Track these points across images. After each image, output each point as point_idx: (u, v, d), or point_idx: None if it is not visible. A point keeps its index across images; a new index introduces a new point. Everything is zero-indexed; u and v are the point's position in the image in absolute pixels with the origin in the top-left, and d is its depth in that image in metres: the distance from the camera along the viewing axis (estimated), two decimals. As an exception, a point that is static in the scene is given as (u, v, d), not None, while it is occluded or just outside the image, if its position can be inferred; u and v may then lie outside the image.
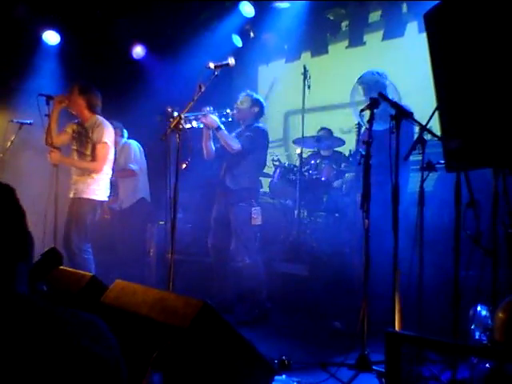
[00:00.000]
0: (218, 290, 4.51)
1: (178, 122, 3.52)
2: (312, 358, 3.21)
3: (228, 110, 4.35)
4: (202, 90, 3.60)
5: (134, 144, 5.55)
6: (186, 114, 3.89)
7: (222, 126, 4.27)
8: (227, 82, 6.74)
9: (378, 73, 3.78)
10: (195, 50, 6.31)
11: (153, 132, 5.37)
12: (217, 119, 4.23)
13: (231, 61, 3.69)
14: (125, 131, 5.60)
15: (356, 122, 4.46)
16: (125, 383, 1.29)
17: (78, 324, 1.24)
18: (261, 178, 5.14)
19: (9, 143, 4.70)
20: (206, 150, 4.46)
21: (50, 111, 4.22)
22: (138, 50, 7.03)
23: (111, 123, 5.41)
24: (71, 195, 4.23)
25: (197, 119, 4.16)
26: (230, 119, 4.40)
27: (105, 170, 4.32)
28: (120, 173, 5.35)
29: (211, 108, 4.26)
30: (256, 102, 4.57)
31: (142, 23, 6.64)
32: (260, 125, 4.57)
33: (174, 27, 6.81)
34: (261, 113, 4.60)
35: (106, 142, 4.24)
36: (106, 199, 4.42)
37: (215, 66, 3.66)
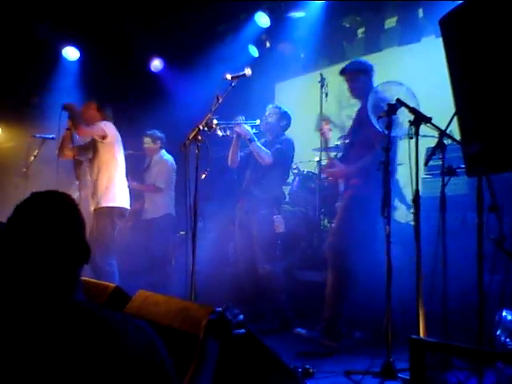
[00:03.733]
0: (242, 299, 4.52)
1: (197, 133, 3.56)
2: (336, 367, 3.19)
3: (258, 121, 4.45)
4: (220, 101, 3.64)
5: (170, 161, 5.64)
6: (220, 122, 4.10)
7: (255, 138, 4.37)
8: (245, 94, 6.79)
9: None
10: (212, 61, 6.39)
11: (172, 143, 5.45)
12: (250, 130, 4.33)
13: (248, 71, 3.73)
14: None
15: None
16: None
17: (132, 331, 1.28)
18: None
19: (32, 158, 4.79)
20: (233, 158, 4.56)
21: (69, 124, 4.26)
22: (157, 64, 7.13)
23: (154, 133, 5.57)
24: (92, 208, 4.28)
25: (230, 128, 4.25)
26: (260, 130, 4.51)
27: (116, 172, 4.32)
28: (147, 187, 5.51)
29: (243, 118, 4.36)
30: (284, 115, 4.68)
31: (160, 37, 6.74)
32: (288, 137, 4.67)
33: (191, 40, 6.90)
34: (287, 125, 4.70)
35: (98, 125, 4.27)
36: (127, 206, 4.41)
37: (232, 77, 3.70)
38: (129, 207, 4.42)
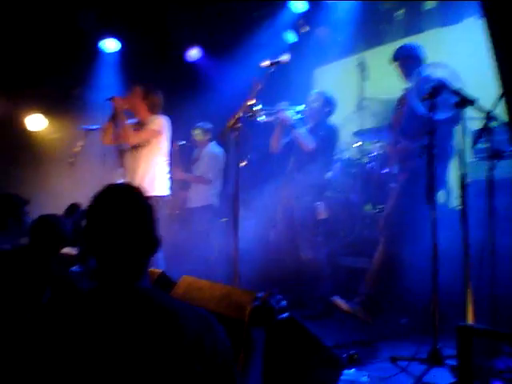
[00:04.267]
0: (284, 285, 4.54)
1: (236, 121, 3.56)
2: (382, 353, 3.17)
3: (302, 107, 4.41)
4: (259, 87, 3.63)
5: (220, 154, 5.61)
6: (263, 108, 4.10)
7: (298, 124, 4.34)
8: (284, 81, 6.75)
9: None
10: (250, 48, 6.35)
11: (212, 132, 5.48)
12: (293, 115, 4.29)
13: (286, 57, 3.69)
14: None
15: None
16: (234, 371, 1.36)
17: (193, 317, 1.33)
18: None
19: (78, 148, 4.89)
20: (276, 144, 4.56)
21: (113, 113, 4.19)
22: (194, 52, 7.16)
23: (205, 124, 5.60)
24: None
25: (273, 114, 4.24)
26: (301, 116, 4.45)
27: (160, 164, 4.30)
28: (195, 178, 5.56)
29: (287, 103, 4.34)
30: (329, 101, 4.62)
31: (197, 25, 6.76)
32: (332, 124, 4.61)
33: (227, 27, 6.89)
34: (331, 112, 4.64)
35: (152, 129, 4.22)
36: (168, 194, 4.40)
37: (271, 63, 3.68)
38: (169, 193, 4.45)
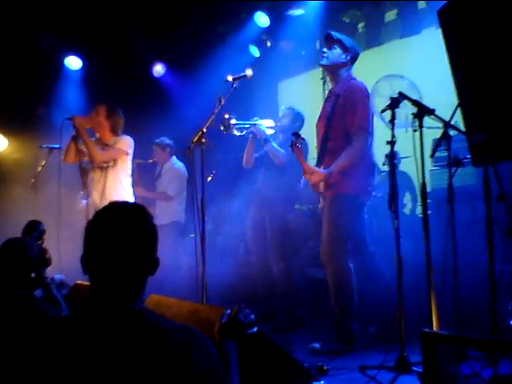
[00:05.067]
0: (254, 299, 4.54)
1: (201, 136, 3.56)
2: (350, 362, 3.18)
3: (272, 122, 4.47)
4: (222, 103, 3.65)
5: (181, 168, 5.62)
6: (237, 122, 4.20)
7: (271, 138, 4.40)
8: (248, 95, 6.79)
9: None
10: (214, 63, 6.38)
11: (177, 148, 5.46)
12: (265, 130, 4.34)
13: (249, 72, 3.73)
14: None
15: None
16: None
17: (188, 340, 1.31)
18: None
19: (40, 168, 4.82)
20: (248, 158, 4.60)
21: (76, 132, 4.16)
22: (159, 68, 7.15)
23: (162, 141, 5.56)
24: None
25: (246, 128, 4.28)
26: (272, 131, 4.51)
27: (126, 183, 4.28)
28: (157, 194, 5.56)
29: (258, 118, 4.39)
30: (297, 116, 4.69)
31: (161, 41, 6.76)
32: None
33: (191, 43, 6.92)
34: (301, 126, 4.69)
35: (121, 149, 4.20)
36: None
37: (233, 79, 3.71)
38: None
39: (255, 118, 4.43)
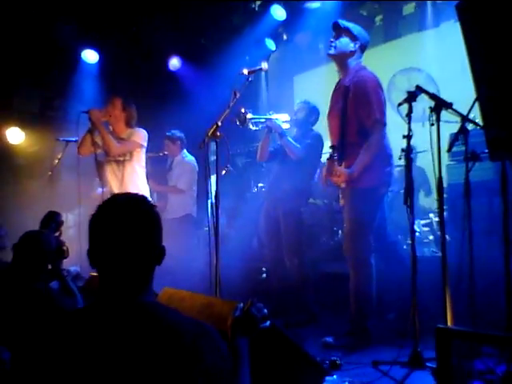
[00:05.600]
0: (267, 293, 4.54)
1: (216, 130, 3.56)
2: (363, 358, 3.17)
3: (288, 116, 4.45)
4: (237, 96, 3.63)
5: (192, 162, 5.63)
6: (253, 117, 4.18)
7: (286, 133, 4.39)
8: (263, 88, 6.77)
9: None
10: (229, 57, 6.38)
11: (191, 141, 5.48)
12: (281, 124, 4.32)
13: (264, 65, 3.71)
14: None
15: None
16: None
17: (197, 334, 1.30)
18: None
19: (56, 161, 4.86)
20: (263, 152, 4.57)
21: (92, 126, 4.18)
22: (175, 62, 7.17)
23: (174, 134, 5.56)
24: None
25: (262, 122, 4.27)
26: (288, 125, 4.50)
27: (141, 176, 4.32)
28: (168, 188, 5.56)
29: (273, 112, 4.39)
30: (313, 111, 4.65)
31: (177, 35, 6.77)
32: (317, 132, 4.65)
33: (207, 36, 6.92)
34: (316, 120, 4.68)
35: (136, 142, 4.24)
36: None
37: (249, 72, 3.68)
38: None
39: (270, 112, 4.40)
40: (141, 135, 4.28)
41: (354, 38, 3.67)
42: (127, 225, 1.34)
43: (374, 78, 3.60)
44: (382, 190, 3.62)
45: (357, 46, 3.68)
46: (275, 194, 4.57)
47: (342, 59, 3.71)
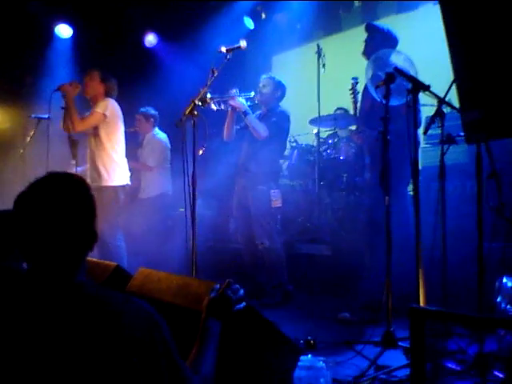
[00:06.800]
0: (242, 274, 4.54)
1: (193, 108, 3.51)
2: (337, 337, 3.22)
3: (252, 94, 4.37)
4: (215, 74, 3.59)
5: (163, 139, 5.54)
6: (214, 95, 4.05)
7: (250, 111, 4.30)
8: (241, 67, 6.70)
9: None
10: (207, 34, 6.28)
11: (167, 119, 5.40)
12: (245, 103, 4.27)
13: (243, 43, 3.65)
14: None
15: (350, 93, 4.39)
16: (177, 363, 1.34)
17: (132, 310, 1.29)
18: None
19: (28, 138, 4.76)
20: (229, 132, 4.49)
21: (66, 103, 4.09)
22: (151, 38, 7.04)
23: (147, 110, 5.44)
24: (92, 184, 4.21)
25: (224, 102, 4.20)
26: (255, 102, 4.42)
27: (116, 150, 4.23)
28: (137, 164, 5.44)
29: (237, 90, 4.29)
30: (278, 85, 4.56)
31: (153, 11, 6.63)
32: (284, 109, 4.57)
33: (184, 13, 6.79)
34: (282, 96, 4.59)
35: (97, 112, 4.12)
36: (128, 182, 4.35)
37: (227, 50, 3.63)
38: (130, 183, 4.40)
39: (234, 91, 4.29)
40: (104, 104, 4.15)
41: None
42: (55, 205, 1.27)
43: None
44: None
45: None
46: (244, 175, 4.51)
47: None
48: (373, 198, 3.76)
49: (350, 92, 4.28)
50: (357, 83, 4.24)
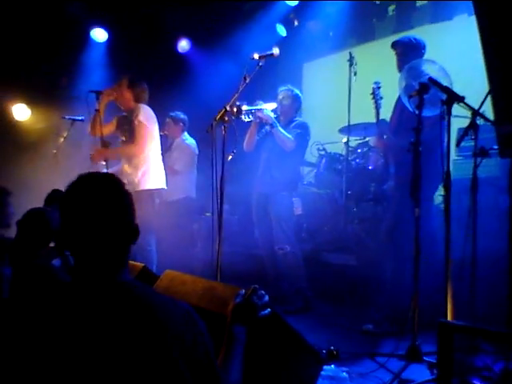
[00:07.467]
0: (263, 280, 4.54)
1: (224, 114, 3.53)
2: (360, 348, 3.18)
3: (275, 105, 4.42)
4: (247, 81, 3.60)
5: (192, 145, 5.54)
6: (248, 108, 4.18)
7: (277, 123, 4.37)
8: (273, 74, 6.72)
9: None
10: (239, 41, 6.32)
11: (199, 124, 5.44)
12: (272, 115, 4.32)
13: (275, 51, 3.67)
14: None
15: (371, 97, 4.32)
16: (215, 365, 1.35)
17: (174, 311, 1.31)
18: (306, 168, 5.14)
19: (62, 139, 4.85)
20: (250, 142, 4.57)
21: (99, 106, 4.21)
22: (184, 44, 7.11)
23: (177, 115, 5.49)
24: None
25: (252, 113, 4.24)
26: (278, 114, 4.52)
27: (151, 155, 4.27)
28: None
29: (262, 102, 4.36)
30: (296, 98, 4.65)
31: (187, 17, 6.71)
32: (303, 121, 4.66)
33: (218, 20, 6.85)
34: (299, 107, 4.68)
35: (141, 121, 4.17)
36: (164, 186, 4.39)
37: (259, 57, 3.65)
38: (165, 187, 4.43)
39: (259, 102, 4.36)
40: (144, 113, 4.22)
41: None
42: (97, 203, 1.32)
43: None
44: None
45: None
46: (264, 184, 4.56)
47: None
48: (396, 208, 3.72)
49: (371, 97, 4.24)
50: (379, 88, 4.17)
